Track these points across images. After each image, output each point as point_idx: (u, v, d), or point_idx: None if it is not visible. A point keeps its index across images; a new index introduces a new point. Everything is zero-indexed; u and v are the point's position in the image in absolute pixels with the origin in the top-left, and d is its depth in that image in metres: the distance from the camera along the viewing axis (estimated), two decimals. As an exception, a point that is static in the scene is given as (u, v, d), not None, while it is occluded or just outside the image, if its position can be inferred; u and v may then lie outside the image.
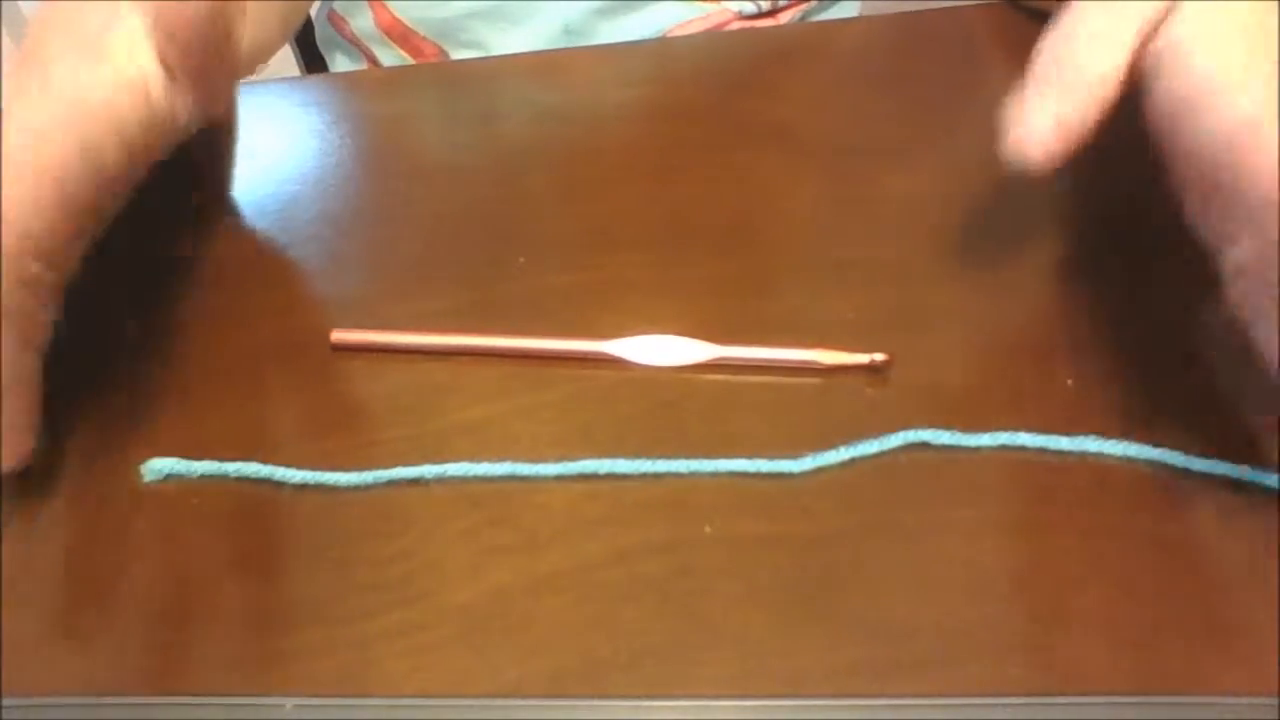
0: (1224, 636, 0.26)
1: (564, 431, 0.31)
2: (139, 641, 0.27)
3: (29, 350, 0.29)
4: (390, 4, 0.59)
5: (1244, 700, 0.25)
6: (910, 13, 0.45)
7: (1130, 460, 0.29)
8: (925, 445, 0.30)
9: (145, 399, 0.33)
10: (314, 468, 0.30)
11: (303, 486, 0.30)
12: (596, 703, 0.25)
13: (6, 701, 0.26)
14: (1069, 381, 0.31)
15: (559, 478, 0.30)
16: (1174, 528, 0.28)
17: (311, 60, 0.74)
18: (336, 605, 0.28)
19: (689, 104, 0.42)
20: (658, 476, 0.30)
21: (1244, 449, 0.29)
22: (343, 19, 0.63)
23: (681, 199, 0.38)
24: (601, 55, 0.47)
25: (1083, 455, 0.30)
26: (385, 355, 0.33)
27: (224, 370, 0.33)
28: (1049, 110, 0.28)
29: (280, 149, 0.41)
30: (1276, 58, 0.25)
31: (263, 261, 0.37)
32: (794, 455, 0.30)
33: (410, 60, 0.60)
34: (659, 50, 0.47)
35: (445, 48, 0.59)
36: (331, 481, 0.30)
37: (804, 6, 0.61)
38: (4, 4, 1.25)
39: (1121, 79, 0.28)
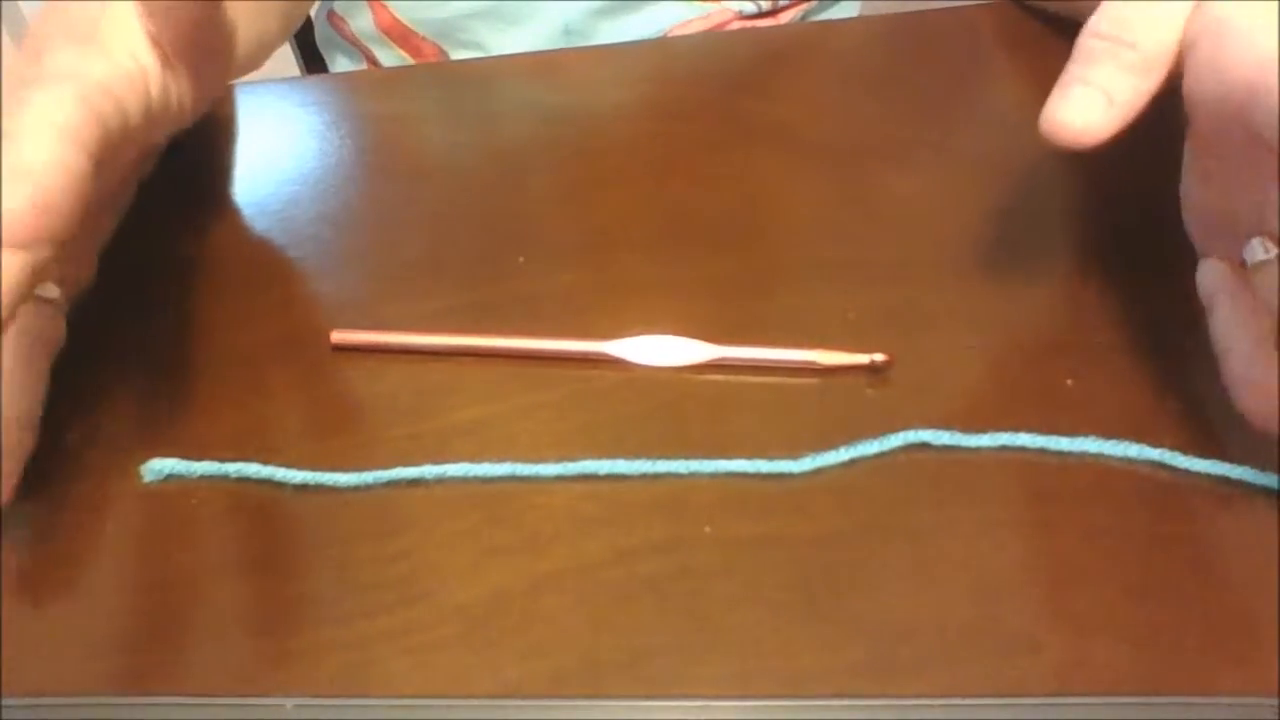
0: (1224, 636, 0.26)
1: (564, 431, 0.31)
2: (139, 642, 0.27)
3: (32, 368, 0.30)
4: (390, 4, 0.59)
5: (1244, 700, 0.25)
6: (910, 13, 0.45)
7: (1130, 460, 0.29)
8: (925, 445, 0.30)
9: (145, 399, 0.33)
10: (314, 468, 0.30)
11: (303, 487, 0.30)
12: (596, 703, 0.25)
13: (6, 701, 0.26)
14: (1069, 381, 0.31)
15: (559, 478, 0.30)
16: (1174, 528, 0.28)
17: (311, 60, 0.74)
18: (336, 605, 0.28)
19: (689, 104, 0.42)
20: (658, 477, 0.30)
21: (1244, 449, 0.29)
22: (342, 19, 0.63)
23: (681, 199, 0.38)
24: (601, 55, 0.47)
25: (1083, 455, 0.30)
26: (385, 355, 0.33)
27: (224, 370, 0.33)
28: (1101, 88, 0.28)
29: (280, 149, 0.41)
30: None
31: (263, 261, 0.37)
32: (794, 455, 0.30)
33: (410, 60, 0.60)
34: (659, 50, 0.47)
35: (445, 48, 0.59)
36: (332, 481, 0.30)
37: (804, 6, 0.61)
38: (4, 4, 1.25)
39: (1175, 55, 0.27)
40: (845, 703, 0.25)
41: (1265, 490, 0.29)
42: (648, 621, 0.27)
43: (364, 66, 0.63)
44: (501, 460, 0.30)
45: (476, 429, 0.31)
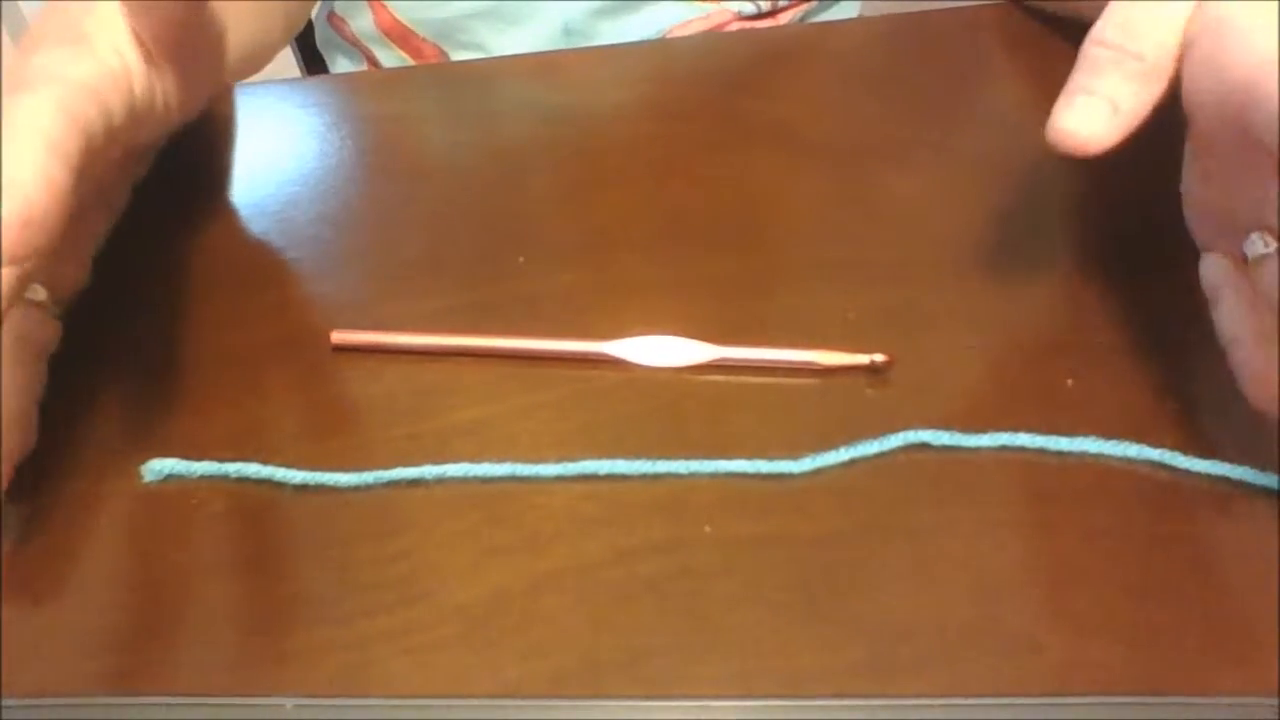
0: (1224, 636, 0.26)
1: (564, 431, 0.31)
2: (138, 642, 0.27)
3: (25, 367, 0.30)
4: (390, 5, 0.59)
5: (1244, 700, 0.25)
6: (910, 13, 0.45)
7: (1130, 460, 0.29)
8: (925, 445, 0.30)
9: (145, 399, 0.33)
10: (314, 468, 0.30)
11: (303, 487, 0.30)
12: (596, 703, 0.25)
13: (6, 701, 0.26)
14: (1069, 381, 0.31)
15: (559, 478, 0.30)
16: (1174, 528, 0.28)
17: (311, 61, 0.74)
18: (336, 605, 0.28)
19: (689, 104, 0.42)
20: (657, 477, 0.30)
21: (1244, 449, 0.29)
22: (343, 20, 0.63)
23: (681, 199, 0.38)
24: (601, 55, 0.47)
25: (1083, 455, 0.30)
26: (385, 355, 0.33)
27: (223, 370, 0.33)
28: (1106, 97, 0.28)
29: (280, 150, 0.41)
30: None
31: (262, 262, 0.37)
32: (794, 455, 0.30)
33: (410, 61, 0.60)
34: (658, 50, 0.47)
35: (445, 48, 0.59)
36: (331, 482, 0.30)
37: (804, 7, 0.61)
38: (4, 4, 1.25)
39: (1178, 60, 0.27)
40: (845, 703, 0.25)
41: (1265, 490, 0.29)
42: (648, 621, 0.27)
43: (364, 67, 0.63)
44: (501, 460, 0.30)
45: (476, 429, 0.31)
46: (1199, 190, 0.31)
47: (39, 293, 0.32)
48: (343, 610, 0.28)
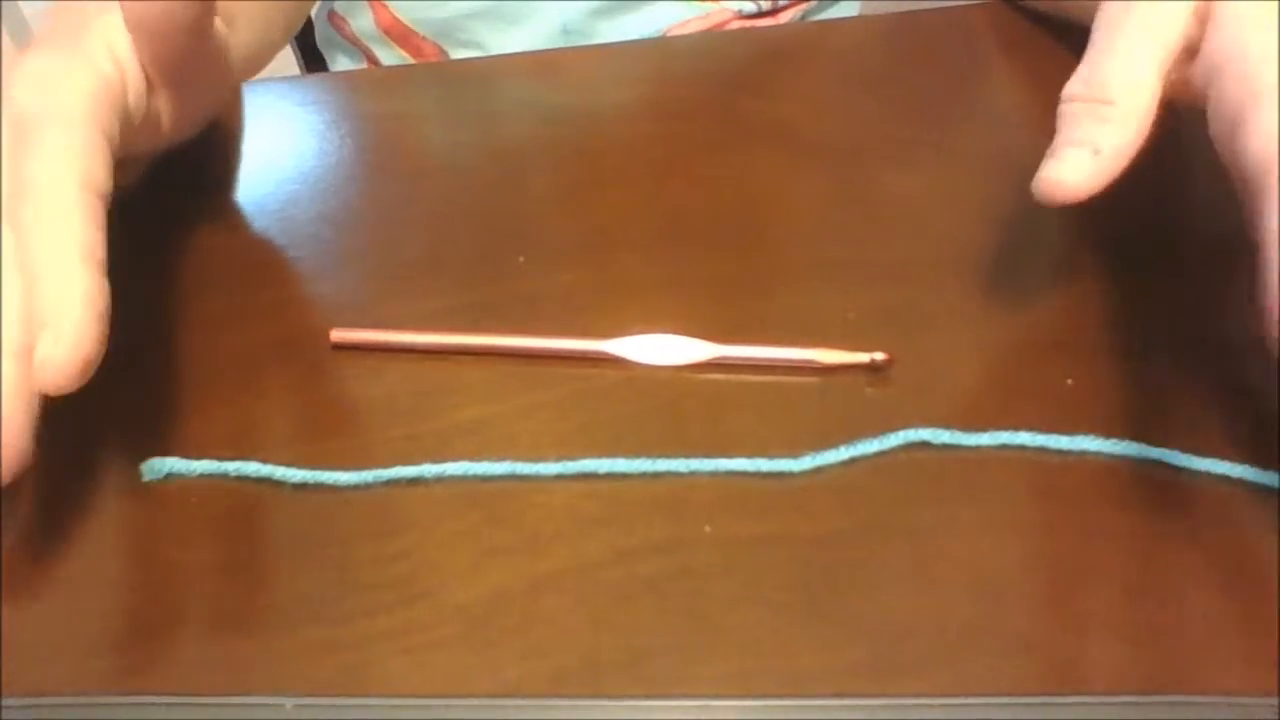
0: (1224, 636, 0.26)
1: (564, 431, 0.31)
2: (138, 641, 0.27)
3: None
4: (390, 4, 0.59)
5: (1244, 700, 0.25)
6: (910, 13, 0.45)
7: (1130, 460, 0.29)
8: (925, 445, 0.30)
9: (145, 398, 0.32)
10: (314, 467, 0.30)
11: (303, 486, 0.30)
12: (596, 703, 0.25)
13: (6, 701, 0.26)
14: (1069, 381, 0.31)
15: (559, 478, 0.30)
16: (1174, 528, 0.28)
17: (311, 60, 0.74)
18: (336, 605, 0.28)
19: (688, 104, 0.42)
20: (657, 476, 0.30)
21: (1244, 449, 0.29)
22: (343, 19, 0.63)
23: (681, 199, 0.38)
24: (601, 55, 0.47)
25: (1082, 455, 0.30)
26: (385, 355, 0.33)
27: (224, 370, 0.33)
28: (1086, 142, 0.28)
29: (280, 149, 0.41)
30: None
31: (262, 260, 0.37)
32: (794, 455, 0.30)
33: (410, 60, 0.60)
34: (658, 50, 0.47)
35: (445, 48, 0.59)
36: (331, 481, 0.30)
37: (804, 6, 0.61)
38: (4, 4, 1.25)
39: (1156, 105, 0.28)
40: (845, 703, 0.25)
41: (1265, 490, 0.29)
42: (648, 621, 0.27)
43: (364, 66, 0.63)
44: (501, 460, 0.30)
45: (476, 429, 0.31)
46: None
47: None
48: (342, 610, 0.28)
